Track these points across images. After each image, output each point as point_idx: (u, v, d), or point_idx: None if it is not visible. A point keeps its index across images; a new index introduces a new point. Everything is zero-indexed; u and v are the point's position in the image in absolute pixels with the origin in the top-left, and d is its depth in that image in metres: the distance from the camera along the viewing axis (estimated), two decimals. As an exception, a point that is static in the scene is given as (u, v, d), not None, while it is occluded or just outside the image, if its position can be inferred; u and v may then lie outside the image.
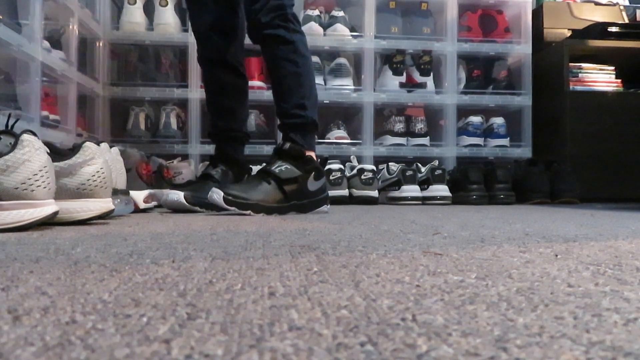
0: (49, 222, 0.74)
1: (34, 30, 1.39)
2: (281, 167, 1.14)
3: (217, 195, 1.08)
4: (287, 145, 1.15)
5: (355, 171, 1.80)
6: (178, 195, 1.19)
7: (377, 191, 1.78)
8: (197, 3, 1.33)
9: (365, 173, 1.77)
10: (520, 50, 2.20)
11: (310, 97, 1.22)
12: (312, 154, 1.19)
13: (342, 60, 2.12)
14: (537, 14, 2.28)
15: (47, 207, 0.72)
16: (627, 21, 2.33)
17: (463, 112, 2.18)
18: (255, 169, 1.77)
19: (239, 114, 1.41)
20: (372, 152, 2.07)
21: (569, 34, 2.25)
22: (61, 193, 0.78)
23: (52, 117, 1.58)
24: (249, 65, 2.09)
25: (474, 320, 0.25)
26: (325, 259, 0.45)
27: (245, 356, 0.20)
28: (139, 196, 1.19)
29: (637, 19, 2.36)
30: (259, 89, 2.00)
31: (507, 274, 0.38)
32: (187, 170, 1.83)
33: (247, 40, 2.04)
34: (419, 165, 1.88)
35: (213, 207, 1.22)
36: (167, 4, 2.02)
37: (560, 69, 2.13)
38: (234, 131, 1.39)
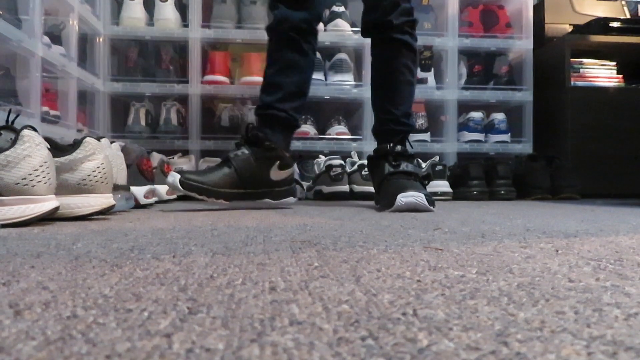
0: (50, 217, 0.74)
1: (34, 26, 1.38)
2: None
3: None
4: (399, 148, 1.22)
5: (355, 167, 1.80)
6: (174, 178, 1.10)
7: (377, 187, 1.78)
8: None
9: (366, 169, 1.76)
10: (522, 45, 2.20)
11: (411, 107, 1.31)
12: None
13: (342, 55, 2.11)
14: (539, 9, 2.28)
15: (47, 203, 0.72)
16: (628, 16, 2.32)
17: (464, 107, 2.17)
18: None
19: (295, 97, 1.27)
20: (373, 147, 2.07)
21: (570, 29, 2.24)
22: (62, 188, 0.79)
23: (52, 112, 1.58)
24: (249, 60, 2.08)
25: (474, 314, 0.25)
26: (326, 254, 0.45)
27: (246, 350, 0.20)
28: (139, 192, 1.19)
29: (639, 14, 2.35)
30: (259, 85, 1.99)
31: (508, 269, 0.38)
32: (188, 166, 1.83)
33: (249, 35, 2.05)
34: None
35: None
36: (167, 0, 2.01)
37: (562, 64, 2.12)
38: (281, 111, 1.23)
